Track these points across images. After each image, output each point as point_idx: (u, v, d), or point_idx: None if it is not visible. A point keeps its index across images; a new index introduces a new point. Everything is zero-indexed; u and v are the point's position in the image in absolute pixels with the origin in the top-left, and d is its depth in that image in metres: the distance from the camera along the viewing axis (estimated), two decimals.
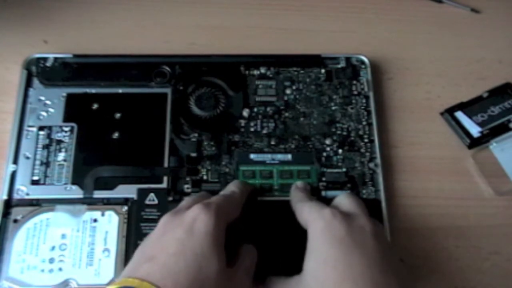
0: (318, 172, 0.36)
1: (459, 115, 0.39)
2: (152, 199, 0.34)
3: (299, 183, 0.35)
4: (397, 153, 0.38)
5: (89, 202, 0.34)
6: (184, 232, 0.27)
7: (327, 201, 0.34)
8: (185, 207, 0.29)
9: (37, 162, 0.35)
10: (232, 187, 0.33)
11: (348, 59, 0.40)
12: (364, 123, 0.38)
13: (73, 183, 0.35)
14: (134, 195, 0.34)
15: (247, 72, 0.39)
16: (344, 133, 0.37)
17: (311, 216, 0.30)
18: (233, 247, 0.29)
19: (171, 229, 0.27)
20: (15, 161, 0.35)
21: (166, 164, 0.36)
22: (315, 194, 0.35)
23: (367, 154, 0.37)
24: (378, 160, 0.36)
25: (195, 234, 0.26)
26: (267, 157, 0.36)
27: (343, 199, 0.31)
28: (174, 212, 0.29)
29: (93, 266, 0.32)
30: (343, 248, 0.27)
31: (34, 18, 0.42)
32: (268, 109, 0.38)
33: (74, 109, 0.37)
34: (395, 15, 0.44)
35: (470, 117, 0.38)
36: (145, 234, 0.33)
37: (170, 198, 0.34)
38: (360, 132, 0.37)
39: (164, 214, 0.29)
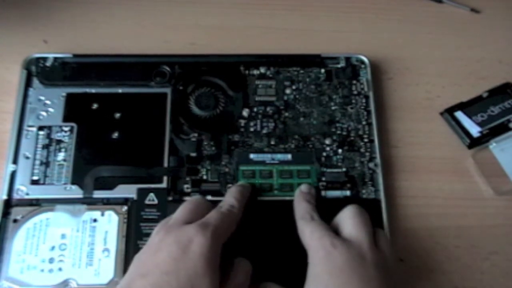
0: (318, 172, 0.36)
1: (459, 115, 0.39)
2: (152, 199, 0.34)
3: (303, 187, 0.35)
4: (397, 153, 0.38)
5: (89, 202, 0.34)
6: (179, 251, 0.26)
7: (327, 201, 0.34)
8: (181, 220, 0.29)
9: (37, 162, 0.35)
10: (231, 200, 0.32)
11: (348, 59, 0.40)
12: (364, 123, 0.38)
13: (73, 183, 0.35)
14: (134, 195, 0.34)
15: (247, 72, 0.39)
16: (344, 133, 0.37)
17: (312, 242, 0.29)
18: (227, 261, 0.29)
19: (166, 246, 0.27)
20: (15, 161, 0.35)
21: (166, 164, 0.36)
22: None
23: (367, 154, 0.36)
24: (378, 160, 0.36)
25: (190, 255, 0.26)
26: (267, 157, 0.36)
27: (347, 219, 0.31)
28: (170, 226, 0.29)
29: (93, 266, 0.32)
30: (343, 277, 0.27)
31: (34, 18, 0.42)
32: (268, 109, 0.38)
33: (74, 109, 0.37)
34: (395, 15, 0.44)
35: (470, 117, 0.38)
36: (145, 234, 0.33)
37: (170, 198, 0.34)
38: (360, 132, 0.37)
39: (159, 223, 0.29)
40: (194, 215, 0.30)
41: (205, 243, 0.27)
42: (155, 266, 0.26)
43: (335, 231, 0.30)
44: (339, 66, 0.40)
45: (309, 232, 0.30)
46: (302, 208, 0.33)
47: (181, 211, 0.30)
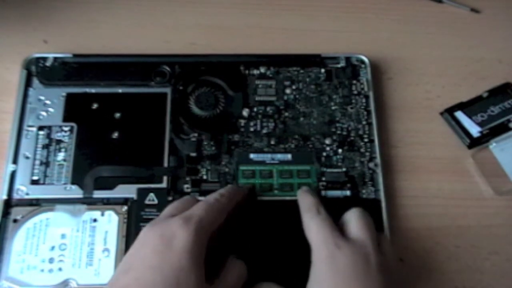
0: (318, 172, 0.36)
1: (459, 115, 0.39)
2: (152, 199, 0.34)
3: (304, 187, 0.34)
4: (397, 153, 0.38)
5: (89, 202, 0.34)
6: (162, 245, 0.26)
7: (327, 201, 0.34)
8: (167, 216, 0.29)
9: (37, 162, 0.35)
10: (221, 190, 0.32)
11: (348, 59, 0.40)
12: (364, 123, 0.38)
13: (73, 183, 0.35)
14: (134, 195, 0.34)
15: (247, 71, 0.39)
16: (344, 132, 0.37)
17: (317, 239, 0.29)
18: (219, 260, 0.29)
19: (150, 240, 0.27)
20: (15, 161, 0.35)
21: (166, 164, 0.36)
22: None
23: (367, 154, 0.36)
24: (378, 160, 0.36)
25: (174, 249, 0.26)
26: (267, 157, 0.36)
27: (352, 220, 0.30)
28: (155, 220, 0.29)
29: (93, 266, 0.32)
30: (346, 278, 0.27)
31: (34, 18, 0.42)
32: (268, 109, 0.38)
33: (73, 109, 0.37)
34: (395, 15, 0.44)
35: (470, 117, 0.38)
36: None
37: (170, 198, 0.34)
38: (360, 132, 0.37)
39: (147, 224, 0.29)
40: (181, 211, 0.29)
41: (188, 237, 0.26)
42: (139, 260, 0.26)
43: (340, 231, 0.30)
44: (339, 66, 0.40)
45: (314, 228, 0.30)
46: (307, 201, 0.32)
47: (169, 208, 0.30)
